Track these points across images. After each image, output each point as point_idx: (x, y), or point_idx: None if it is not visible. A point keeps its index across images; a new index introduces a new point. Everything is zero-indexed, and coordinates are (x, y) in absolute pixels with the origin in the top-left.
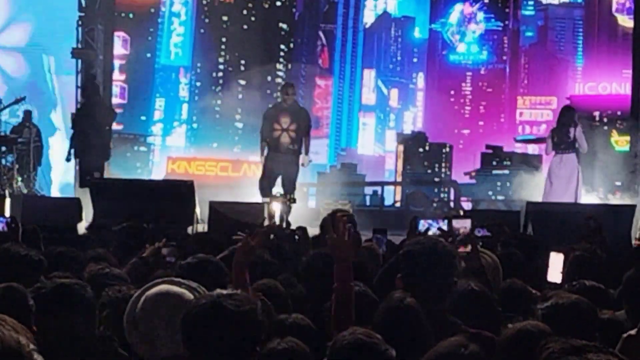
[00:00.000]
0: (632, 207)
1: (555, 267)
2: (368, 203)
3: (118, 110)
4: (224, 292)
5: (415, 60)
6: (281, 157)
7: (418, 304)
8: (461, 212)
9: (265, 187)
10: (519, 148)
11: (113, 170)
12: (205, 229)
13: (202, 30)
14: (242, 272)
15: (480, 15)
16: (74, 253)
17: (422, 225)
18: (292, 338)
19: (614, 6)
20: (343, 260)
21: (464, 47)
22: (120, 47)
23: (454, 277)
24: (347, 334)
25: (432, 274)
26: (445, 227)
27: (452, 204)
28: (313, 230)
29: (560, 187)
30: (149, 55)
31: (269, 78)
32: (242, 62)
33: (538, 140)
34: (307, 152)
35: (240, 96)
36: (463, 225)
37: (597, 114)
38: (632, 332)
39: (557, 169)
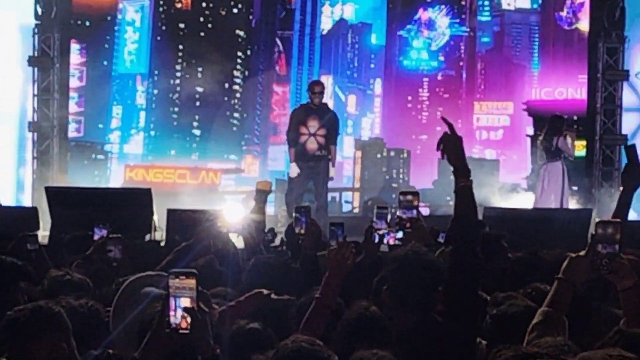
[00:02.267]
0: (588, 211)
1: None
2: None
3: (77, 118)
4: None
5: (372, 66)
6: (308, 164)
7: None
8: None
9: (291, 202)
10: (475, 153)
11: (71, 179)
12: (163, 237)
13: (158, 38)
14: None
15: (446, 21)
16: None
17: (376, 235)
18: None
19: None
20: (336, 274)
21: (415, 54)
22: (76, 55)
23: (438, 287)
24: (289, 342)
25: (418, 288)
26: (399, 236)
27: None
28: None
29: (547, 195)
30: (105, 63)
31: (227, 85)
32: (200, 69)
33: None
34: (333, 164)
35: (197, 103)
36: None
37: None
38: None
39: (544, 178)
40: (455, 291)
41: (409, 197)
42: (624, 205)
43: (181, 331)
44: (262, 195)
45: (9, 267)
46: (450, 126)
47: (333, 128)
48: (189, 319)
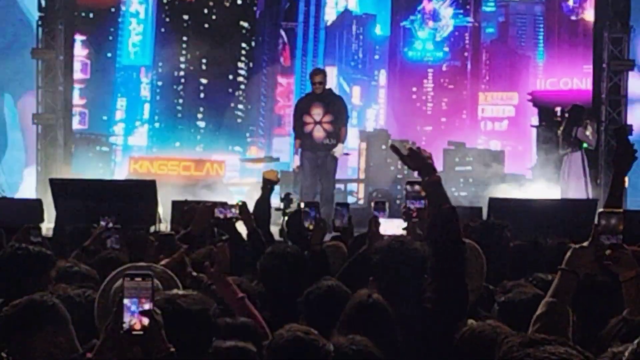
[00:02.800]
0: (594, 202)
1: None
2: None
3: (81, 110)
4: (180, 292)
5: (376, 57)
6: (316, 154)
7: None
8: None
9: (307, 192)
10: (480, 144)
11: (75, 171)
12: (168, 229)
13: (162, 30)
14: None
15: (450, 12)
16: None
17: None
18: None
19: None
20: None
21: (420, 44)
22: (80, 47)
23: (424, 275)
24: (284, 332)
25: (404, 277)
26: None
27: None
28: (276, 229)
29: (570, 186)
30: (109, 55)
31: (231, 77)
32: (204, 61)
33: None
34: (342, 142)
35: (202, 95)
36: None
37: (558, 109)
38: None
39: (567, 169)
40: (441, 278)
41: (417, 187)
42: (617, 190)
43: (135, 332)
44: (268, 184)
45: (37, 255)
46: (395, 149)
47: (340, 112)
48: (144, 321)
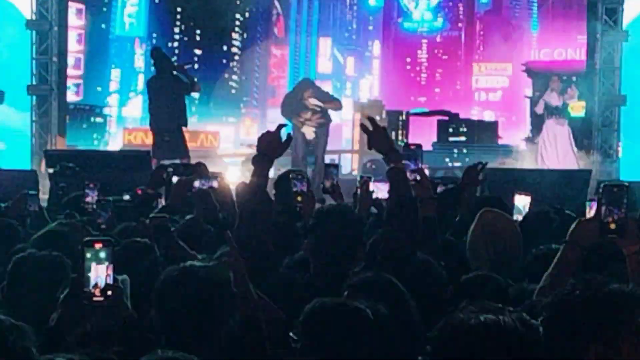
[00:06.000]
0: (587, 172)
1: (520, 208)
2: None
3: (75, 82)
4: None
5: (370, 28)
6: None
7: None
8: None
9: (298, 165)
10: (474, 115)
11: (69, 142)
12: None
13: (157, 1)
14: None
15: None
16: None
17: (372, 187)
18: None
19: None
20: None
21: (419, 14)
22: (74, 17)
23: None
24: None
25: (339, 241)
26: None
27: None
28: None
29: (543, 155)
30: (103, 25)
31: (225, 47)
32: (198, 31)
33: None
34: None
35: (196, 66)
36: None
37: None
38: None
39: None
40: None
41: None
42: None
43: (95, 299)
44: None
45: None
46: (372, 120)
47: (323, 95)
48: (107, 290)
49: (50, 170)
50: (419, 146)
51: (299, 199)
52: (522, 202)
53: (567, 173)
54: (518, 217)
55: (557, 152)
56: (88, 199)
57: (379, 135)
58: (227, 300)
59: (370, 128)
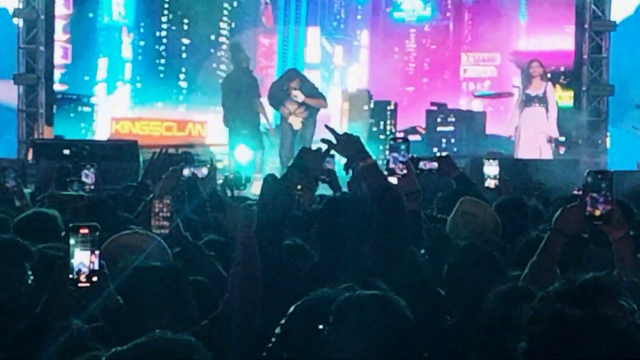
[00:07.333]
0: (575, 162)
1: (491, 175)
2: None
3: (62, 71)
4: None
5: (359, 17)
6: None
7: None
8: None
9: (287, 157)
10: (463, 105)
11: (57, 132)
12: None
13: None
14: None
15: None
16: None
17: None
18: None
19: None
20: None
21: (408, 4)
22: (62, 6)
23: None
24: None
25: (341, 228)
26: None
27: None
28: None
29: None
30: (91, 14)
31: (213, 37)
32: (186, 20)
33: (497, 95)
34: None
35: (184, 55)
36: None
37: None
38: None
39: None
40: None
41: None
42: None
43: (81, 284)
44: None
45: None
46: (331, 130)
47: (308, 89)
48: (92, 276)
49: (66, 152)
50: (405, 138)
51: (299, 187)
52: (492, 171)
53: (555, 162)
54: (490, 184)
55: (529, 141)
56: (87, 180)
57: (341, 143)
58: None
59: (333, 139)
